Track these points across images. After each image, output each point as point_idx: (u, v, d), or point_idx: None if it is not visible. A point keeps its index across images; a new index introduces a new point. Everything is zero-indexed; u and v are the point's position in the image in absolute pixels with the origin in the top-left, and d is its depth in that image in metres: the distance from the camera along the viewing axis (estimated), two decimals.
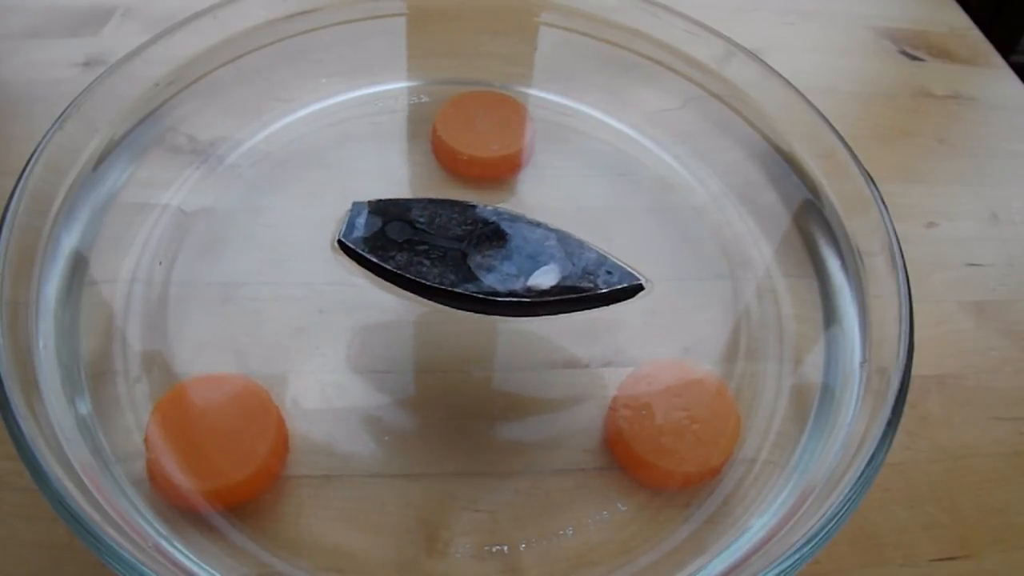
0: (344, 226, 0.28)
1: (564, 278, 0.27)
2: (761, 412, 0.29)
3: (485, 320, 0.29)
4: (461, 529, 0.26)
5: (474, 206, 0.29)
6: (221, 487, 0.25)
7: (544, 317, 0.28)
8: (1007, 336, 0.35)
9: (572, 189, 0.36)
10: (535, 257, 0.27)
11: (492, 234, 0.27)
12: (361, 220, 0.28)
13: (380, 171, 0.36)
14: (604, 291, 0.27)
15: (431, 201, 0.29)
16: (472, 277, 0.26)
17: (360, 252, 0.27)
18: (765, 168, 0.35)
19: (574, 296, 0.27)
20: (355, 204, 0.28)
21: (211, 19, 0.33)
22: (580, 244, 0.28)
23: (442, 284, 0.26)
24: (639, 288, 0.27)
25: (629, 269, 0.28)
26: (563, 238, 0.28)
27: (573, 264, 0.27)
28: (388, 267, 0.27)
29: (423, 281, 0.26)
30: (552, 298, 0.27)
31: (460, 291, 0.26)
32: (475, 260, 0.27)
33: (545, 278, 0.27)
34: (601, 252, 0.28)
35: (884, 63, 0.48)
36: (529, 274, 0.27)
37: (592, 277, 0.27)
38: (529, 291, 0.27)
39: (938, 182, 0.41)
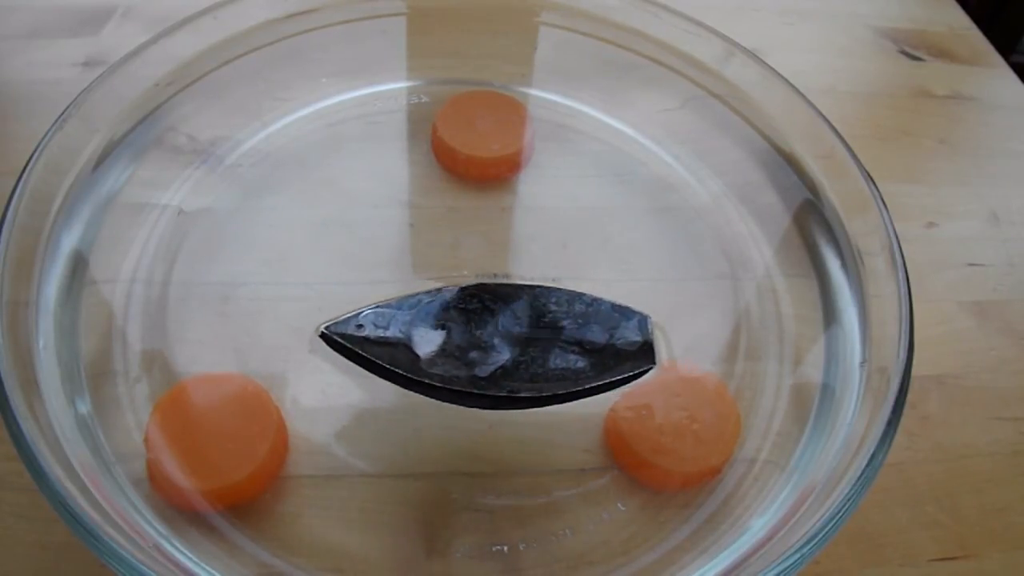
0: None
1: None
2: (761, 412, 0.29)
3: None
4: (461, 529, 0.26)
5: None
6: (221, 487, 0.25)
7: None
8: (1007, 336, 0.35)
9: (572, 189, 0.36)
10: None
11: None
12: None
13: (380, 171, 0.36)
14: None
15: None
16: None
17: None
18: (765, 168, 0.35)
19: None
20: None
21: (211, 19, 0.33)
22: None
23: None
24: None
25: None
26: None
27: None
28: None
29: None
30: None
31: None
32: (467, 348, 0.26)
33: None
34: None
35: (884, 63, 0.48)
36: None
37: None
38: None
39: (938, 182, 0.41)
